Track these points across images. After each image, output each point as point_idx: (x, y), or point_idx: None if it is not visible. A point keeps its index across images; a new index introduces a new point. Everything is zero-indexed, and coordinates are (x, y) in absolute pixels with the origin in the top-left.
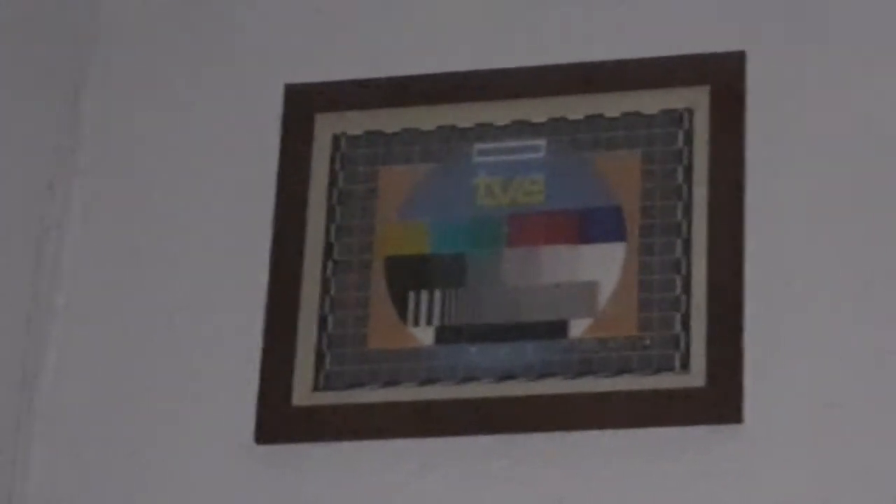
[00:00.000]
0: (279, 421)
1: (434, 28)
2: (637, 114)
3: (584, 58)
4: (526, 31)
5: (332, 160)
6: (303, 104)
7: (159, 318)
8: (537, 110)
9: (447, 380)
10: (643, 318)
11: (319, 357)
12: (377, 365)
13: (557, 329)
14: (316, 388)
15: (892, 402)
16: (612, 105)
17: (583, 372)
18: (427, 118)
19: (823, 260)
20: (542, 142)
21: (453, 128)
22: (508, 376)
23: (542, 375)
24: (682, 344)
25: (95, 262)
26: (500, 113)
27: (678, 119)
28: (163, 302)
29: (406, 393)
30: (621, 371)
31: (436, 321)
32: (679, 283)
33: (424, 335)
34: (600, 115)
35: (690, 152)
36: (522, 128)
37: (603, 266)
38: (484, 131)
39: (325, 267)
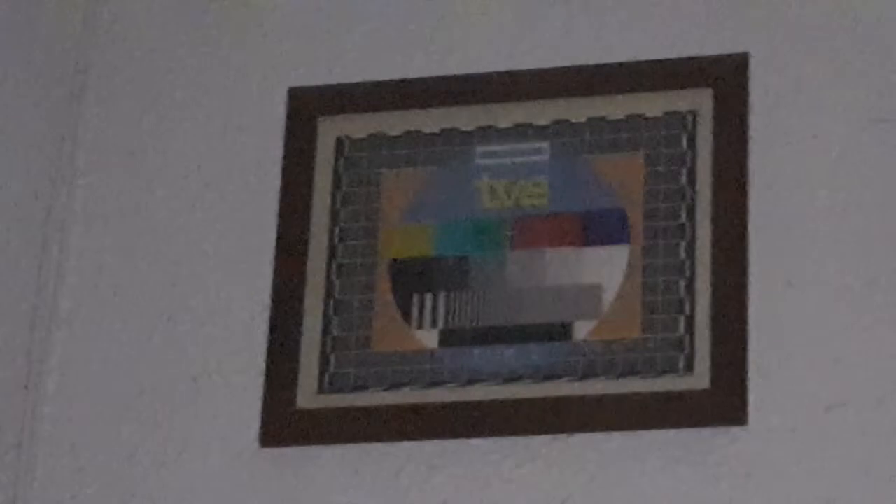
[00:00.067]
0: (284, 424)
1: (437, 31)
2: (640, 116)
3: (587, 60)
4: (529, 33)
5: (336, 163)
6: (306, 107)
7: (163, 321)
8: (540, 113)
9: (451, 382)
10: (647, 320)
11: (324, 360)
12: (381, 368)
13: (561, 331)
14: (320, 390)
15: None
16: (616, 107)
17: (587, 374)
18: (430, 121)
19: (827, 262)
20: (545, 144)
21: (456, 130)
22: (513, 379)
23: (547, 378)
24: (687, 346)
25: (98, 265)
26: (503, 115)
27: (681, 121)
28: (166, 305)
29: (410, 395)
30: (625, 373)
31: (440, 324)
32: (683, 285)
33: (429, 338)
34: (604, 118)
35: (694, 155)
36: (526, 130)
37: (607, 268)
38: (487, 134)
39: (328, 270)
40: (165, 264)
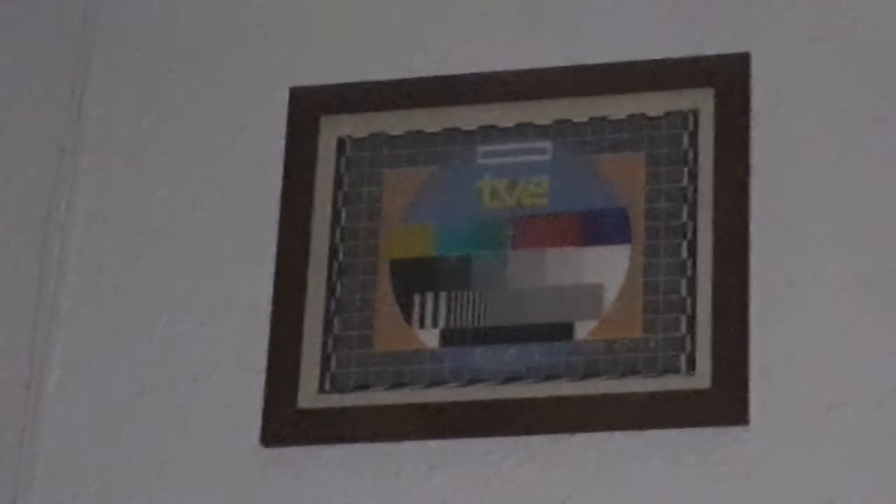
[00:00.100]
0: (285, 423)
1: (438, 31)
2: (642, 116)
3: (588, 60)
4: (530, 33)
5: (338, 163)
6: (308, 107)
7: (163, 320)
8: (542, 112)
9: (453, 382)
10: (648, 320)
11: (325, 359)
12: (383, 367)
13: (563, 331)
14: (322, 390)
15: None
16: (617, 107)
17: (588, 374)
18: (432, 120)
19: (828, 261)
20: (546, 144)
21: (458, 130)
22: (514, 378)
23: (548, 377)
24: (688, 346)
25: (99, 264)
26: (504, 115)
27: (683, 121)
28: (168, 304)
29: (412, 395)
30: (627, 373)
31: (441, 323)
32: (684, 284)
33: (430, 337)
34: (605, 118)
35: (695, 154)
36: (527, 130)
37: (608, 268)
38: (488, 134)
39: (330, 269)
40: (166, 264)
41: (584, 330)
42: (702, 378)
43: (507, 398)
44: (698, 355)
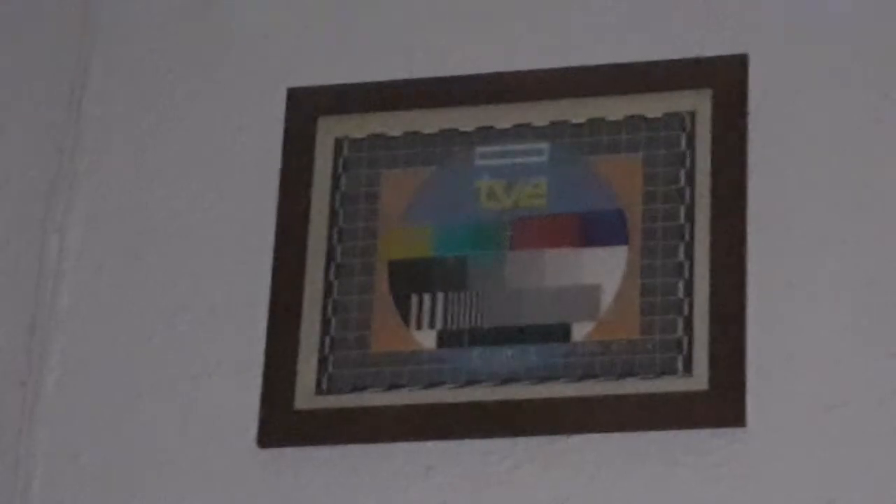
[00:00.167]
0: (282, 424)
1: (436, 32)
2: (639, 117)
3: (586, 61)
4: (528, 34)
5: (335, 163)
6: (305, 108)
7: (162, 321)
8: (539, 114)
9: (450, 383)
10: (646, 321)
11: (322, 360)
12: (380, 368)
13: (560, 332)
14: (319, 391)
15: (895, 405)
16: (615, 108)
17: (585, 375)
18: (429, 121)
19: (826, 262)
20: (544, 145)
21: (456, 131)
22: (511, 379)
23: (545, 379)
24: (685, 347)
25: (98, 265)
26: (502, 116)
27: (680, 122)
28: (165, 305)
29: (409, 396)
30: (624, 374)
31: (438, 324)
32: (681, 286)
33: (427, 338)
34: (603, 119)
35: (693, 155)
36: (525, 131)
37: (605, 269)
38: (486, 135)
39: (327, 270)
40: (165, 264)
41: (581, 331)
42: (699, 379)
43: (505, 399)
44: (695, 357)
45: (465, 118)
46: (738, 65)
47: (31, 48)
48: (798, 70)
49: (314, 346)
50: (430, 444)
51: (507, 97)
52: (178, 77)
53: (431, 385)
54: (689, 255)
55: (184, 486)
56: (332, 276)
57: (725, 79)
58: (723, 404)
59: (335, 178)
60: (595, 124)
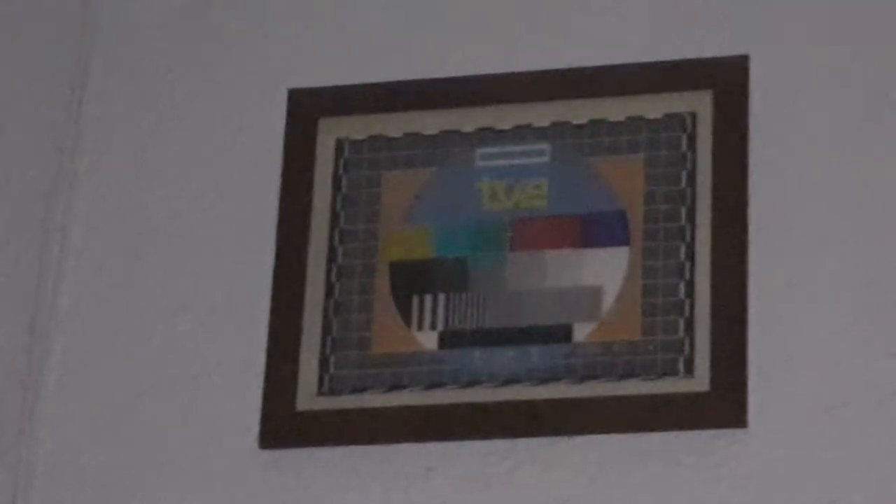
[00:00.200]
0: (283, 426)
1: (437, 33)
2: (640, 118)
3: (587, 62)
4: (529, 35)
5: (336, 165)
6: (306, 109)
7: (162, 322)
8: (540, 115)
9: (451, 384)
10: (647, 322)
11: (323, 361)
12: (381, 369)
13: (561, 333)
14: (320, 392)
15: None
16: (616, 109)
17: (587, 376)
18: (430, 123)
19: (827, 263)
20: (545, 146)
21: (456, 132)
22: (512, 380)
23: (546, 380)
24: (686, 348)
25: (98, 265)
26: (503, 117)
27: (681, 123)
28: (166, 306)
29: (410, 397)
30: (625, 375)
31: (440, 325)
32: (683, 287)
33: (428, 339)
34: (603, 120)
35: (694, 156)
36: (525, 132)
37: (606, 270)
38: (487, 136)
39: (328, 271)
40: (165, 265)
41: (582, 332)
42: (700, 380)
43: (506, 400)
44: (697, 358)
45: (466, 119)
46: (738, 66)
47: (31, 48)
48: (799, 71)
49: (315, 347)
50: (430, 445)
51: (508, 98)
52: (178, 77)
53: (432, 386)
54: (691, 255)
55: (185, 486)
56: (333, 278)
57: (726, 80)
58: (724, 405)
59: (336, 180)
60: (596, 125)
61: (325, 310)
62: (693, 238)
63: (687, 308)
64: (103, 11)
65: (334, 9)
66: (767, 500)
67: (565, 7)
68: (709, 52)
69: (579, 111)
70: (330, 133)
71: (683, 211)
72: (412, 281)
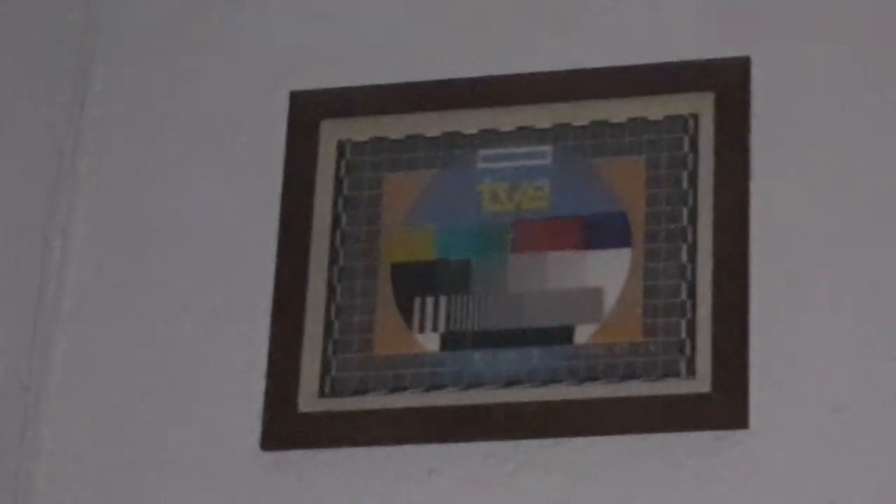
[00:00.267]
0: (285, 427)
1: (439, 34)
2: (642, 120)
3: (588, 64)
4: (530, 37)
5: (338, 166)
6: (308, 111)
7: (164, 323)
8: (542, 116)
9: (453, 386)
10: (648, 323)
11: (325, 363)
12: (383, 371)
13: (563, 335)
14: (322, 394)
15: None
16: (617, 111)
17: (588, 378)
18: (432, 124)
19: (828, 265)
20: (547, 148)
21: (458, 134)
22: (514, 382)
23: (548, 381)
24: (688, 349)
25: (99, 266)
26: (504, 119)
27: (683, 125)
28: (168, 308)
29: (412, 399)
30: (627, 377)
31: (441, 327)
32: (684, 288)
33: (430, 341)
34: (605, 121)
35: (695, 158)
36: (527, 134)
37: (608, 272)
38: (489, 137)
39: (330, 273)
40: (166, 266)
41: (584, 334)
42: (702, 382)
43: (508, 402)
44: (698, 359)
45: (468, 121)
46: (740, 67)
47: (31, 49)
48: (800, 72)
49: (317, 349)
50: (432, 447)
51: (510, 100)
52: (179, 79)
53: (434, 388)
54: (692, 257)
55: (186, 488)
56: (334, 279)
57: (728, 81)
58: (726, 406)
59: (338, 181)
60: (598, 127)
61: (327, 311)
62: (695, 239)
63: (688, 309)
64: (103, 11)
65: (336, 10)
66: (769, 501)
67: (567, 8)
68: (710, 53)
69: (581, 113)
70: (332, 135)
71: (685, 212)
72: (414, 283)
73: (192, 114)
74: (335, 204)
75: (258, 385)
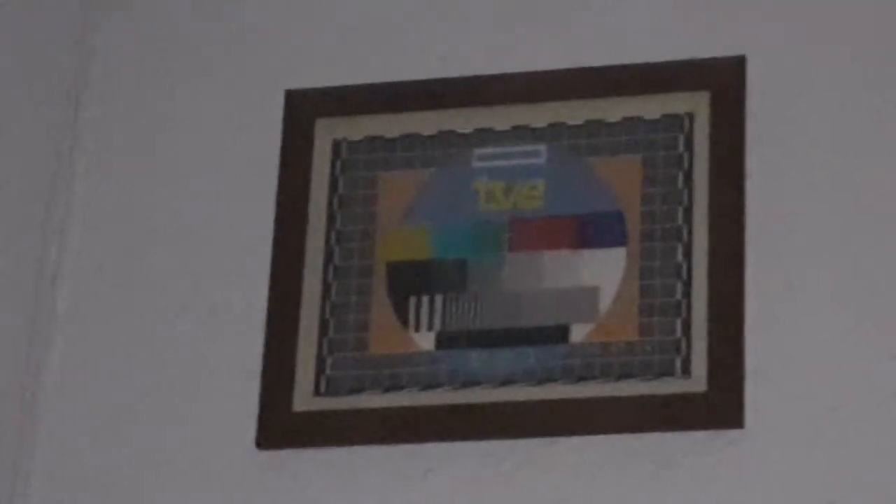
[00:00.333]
0: (280, 426)
1: (434, 33)
2: (637, 118)
3: (584, 62)
4: (526, 36)
5: (333, 165)
6: (303, 109)
7: (160, 323)
8: (537, 115)
9: (448, 385)
10: (644, 322)
11: (320, 362)
12: (378, 370)
13: (558, 334)
14: (317, 393)
15: (893, 406)
16: (613, 110)
17: (584, 377)
18: (427, 123)
19: (824, 264)
20: (542, 147)
21: (453, 133)
22: (509, 381)
23: (543, 380)
24: (683, 349)
25: (96, 267)
26: (500, 118)
27: (679, 124)
28: (164, 307)
29: (407, 398)
30: (622, 376)
31: (437, 326)
32: (680, 287)
33: (425, 340)
34: (601, 120)
35: (691, 157)
36: (522, 133)
37: (604, 271)
38: (484, 136)
39: (325, 272)
40: (163, 266)
41: (579, 333)
42: (697, 381)
43: (503, 401)
44: (694, 358)
45: (463, 120)
46: (736, 66)
47: (31, 48)
48: (796, 71)
49: (312, 348)
50: (428, 446)
51: (505, 99)
52: (176, 79)
53: (430, 387)
54: (688, 256)
55: (182, 487)
56: (330, 278)
57: (723, 80)
58: (721, 406)
59: (333, 180)
60: (593, 126)
61: (322, 310)
62: (690, 239)
63: (684, 309)
64: (103, 12)
65: (332, 9)
66: (765, 501)
67: (563, 8)
68: (706, 52)
69: (576, 112)
70: (327, 133)
71: (681, 211)
72: (409, 282)
73: (189, 113)
74: (330, 203)
75: (254, 384)
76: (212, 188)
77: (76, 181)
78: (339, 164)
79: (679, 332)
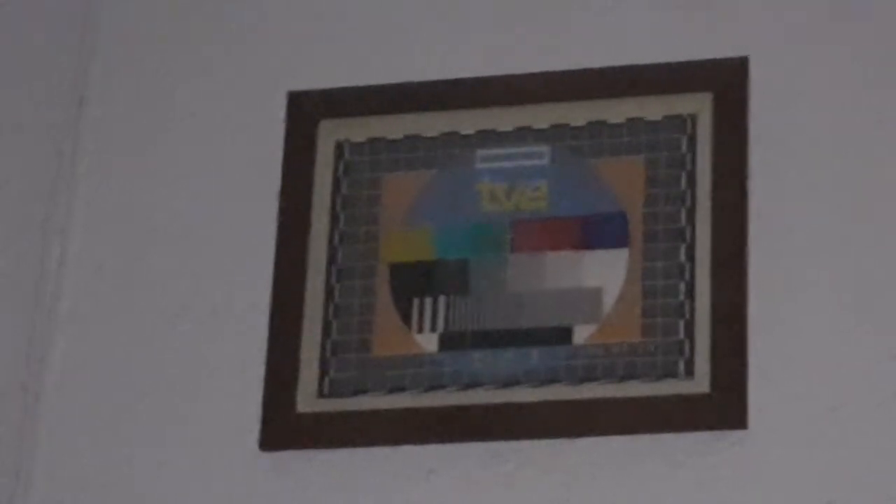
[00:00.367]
0: (284, 428)
1: (437, 35)
2: (640, 120)
3: (587, 64)
4: (528, 37)
5: (336, 167)
6: (306, 111)
7: (162, 324)
8: (540, 116)
9: (451, 386)
10: (647, 324)
11: (324, 364)
12: (381, 371)
13: (561, 335)
14: (320, 394)
15: (894, 406)
16: (616, 111)
17: (587, 378)
18: (430, 124)
19: (827, 265)
20: (545, 148)
21: (456, 134)
22: (512, 382)
23: (547, 382)
24: (687, 350)
25: (98, 266)
26: (503, 119)
27: (682, 125)
28: (166, 307)
29: (410, 399)
30: (625, 377)
31: (440, 327)
32: (683, 288)
33: (429, 342)
34: (604, 122)
35: (694, 158)
36: (525, 134)
37: (607, 272)
38: (487, 137)
39: (329, 274)
40: (165, 266)
41: (582, 334)
42: (700, 382)
43: (506, 402)
44: (697, 359)
45: (466, 121)
46: (738, 67)
47: (31, 49)
48: (798, 72)
49: (316, 349)
50: (431, 448)
51: (508, 100)
52: (178, 80)
53: (433, 388)
54: (691, 257)
55: (185, 489)
56: (333, 280)
57: (726, 81)
58: (724, 406)
59: (336, 182)
60: (596, 127)
61: (326, 312)
62: (693, 239)
63: (687, 310)
64: (103, 11)
65: (334, 11)
66: (767, 501)
67: (565, 9)
68: (709, 53)
69: (579, 113)
70: (330, 135)
71: (683, 212)
72: (412, 283)
73: (191, 114)
74: (333, 204)
75: (257, 385)
76: (214, 189)
77: (77, 181)
78: (341, 165)
79: (682, 334)
